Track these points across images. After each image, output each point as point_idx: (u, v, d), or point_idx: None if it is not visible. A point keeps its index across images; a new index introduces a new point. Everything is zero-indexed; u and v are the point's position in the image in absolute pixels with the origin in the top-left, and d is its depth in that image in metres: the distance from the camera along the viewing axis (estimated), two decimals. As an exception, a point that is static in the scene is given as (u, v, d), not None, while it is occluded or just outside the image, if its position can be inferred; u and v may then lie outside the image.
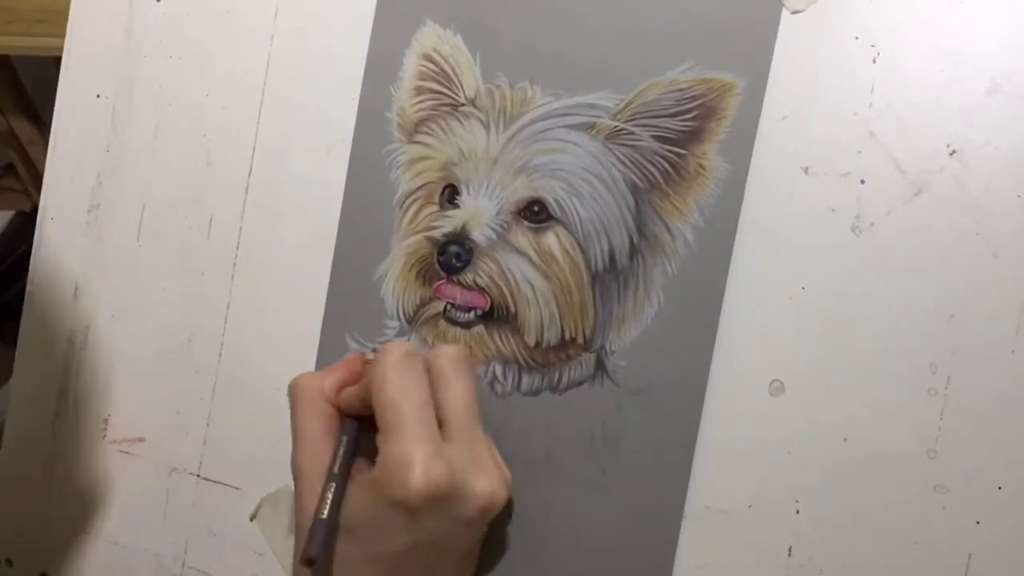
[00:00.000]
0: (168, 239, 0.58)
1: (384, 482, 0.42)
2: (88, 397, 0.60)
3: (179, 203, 0.58)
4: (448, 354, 0.46)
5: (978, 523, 0.43)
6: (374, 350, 0.52)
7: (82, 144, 0.60)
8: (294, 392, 0.48)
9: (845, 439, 0.44)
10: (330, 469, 0.45)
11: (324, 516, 0.44)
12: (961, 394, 0.43)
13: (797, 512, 0.45)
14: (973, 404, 0.43)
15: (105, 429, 0.59)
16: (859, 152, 0.44)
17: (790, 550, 0.45)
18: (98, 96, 0.59)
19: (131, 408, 0.59)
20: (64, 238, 0.60)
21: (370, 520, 0.44)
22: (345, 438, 0.46)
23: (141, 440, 0.59)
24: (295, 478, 0.47)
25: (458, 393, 0.45)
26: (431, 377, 0.45)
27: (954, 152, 0.43)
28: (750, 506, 0.46)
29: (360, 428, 0.47)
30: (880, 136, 0.44)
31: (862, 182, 0.44)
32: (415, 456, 0.41)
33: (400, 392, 0.44)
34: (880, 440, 0.44)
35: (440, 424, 0.44)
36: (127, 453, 0.59)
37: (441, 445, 0.43)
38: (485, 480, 0.44)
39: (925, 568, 0.43)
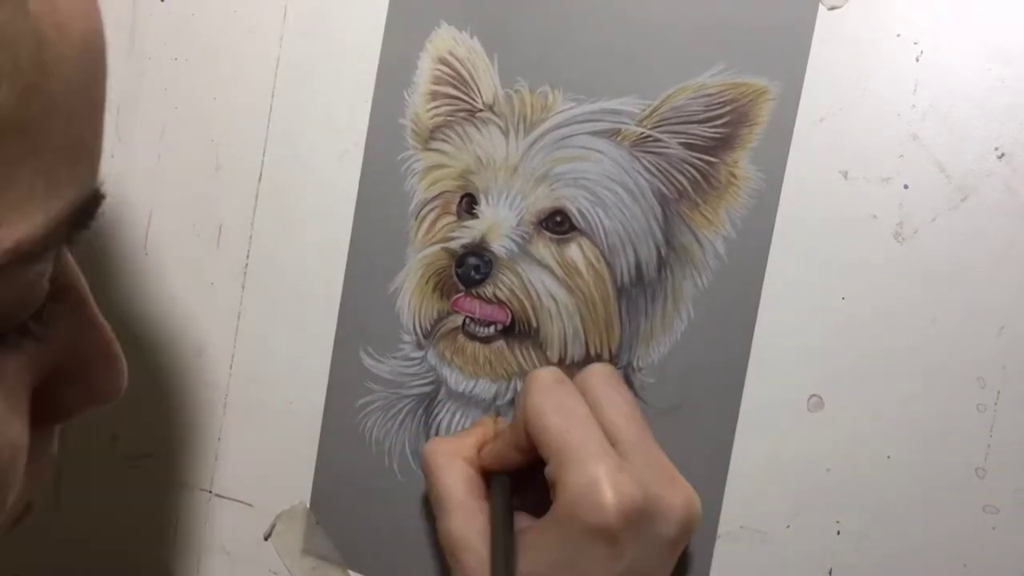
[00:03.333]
0: (176, 248, 0.56)
1: (575, 512, 0.38)
2: (95, 411, 0.58)
3: (187, 211, 0.56)
4: (600, 371, 0.43)
5: (1030, 546, 0.41)
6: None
7: (85, 150, 0.58)
8: (430, 458, 0.45)
9: (888, 457, 0.43)
10: (494, 530, 0.41)
11: None
12: (1011, 410, 0.41)
13: (838, 533, 0.44)
14: (1024, 421, 0.41)
15: (113, 444, 0.58)
16: (901, 156, 0.42)
17: (830, 573, 0.44)
18: (101, 100, 0.57)
19: (140, 422, 0.58)
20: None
21: (563, 563, 0.39)
22: (500, 495, 0.43)
23: (150, 455, 0.57)
24: (449, 548, 0.43)
25: (622, 407, 0.42)
26: (588, 399, 0.42)
27: (1003, 155, 0.41)
28: (788, 527, 0.44)
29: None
30: (924, 138, 0.42)
31: (905, 187, 0.42)
32: (600, 475, 0.38)
33: (563, 415, 0.40)
34: (926, 458, 0.42)
35: (611, 444, 0.41)
36: (136, 468, 0.57)
37: (621, 462, 0.39)
38: (678, 492, 0.40)
39: (974, 593, 0.42)
